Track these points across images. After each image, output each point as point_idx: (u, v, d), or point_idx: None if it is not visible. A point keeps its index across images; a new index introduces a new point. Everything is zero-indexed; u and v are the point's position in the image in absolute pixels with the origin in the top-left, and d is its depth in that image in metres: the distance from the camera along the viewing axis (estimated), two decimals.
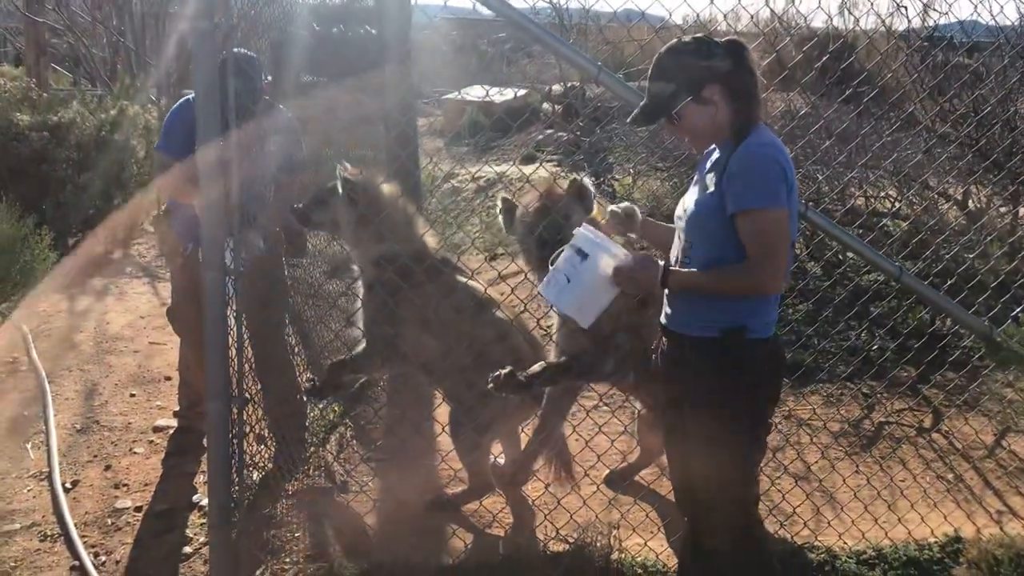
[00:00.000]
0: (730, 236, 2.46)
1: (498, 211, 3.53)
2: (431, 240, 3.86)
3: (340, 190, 3.67)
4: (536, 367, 3.27)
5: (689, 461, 2.70)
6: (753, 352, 2.55)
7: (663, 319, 2.73)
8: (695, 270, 2.53)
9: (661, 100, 2.51)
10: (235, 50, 3.79)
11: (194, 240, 4.01)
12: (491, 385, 3.19)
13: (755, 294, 2.50)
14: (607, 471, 4.10)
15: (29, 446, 4.43)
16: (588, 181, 3.36)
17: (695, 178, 2.71)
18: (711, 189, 2.50)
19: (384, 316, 3.68)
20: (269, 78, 5.93)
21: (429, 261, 3.63)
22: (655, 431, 3.96)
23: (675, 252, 2.68)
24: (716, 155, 2.59)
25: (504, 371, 3.18)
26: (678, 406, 2.69)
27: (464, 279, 3.80)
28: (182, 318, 4.38)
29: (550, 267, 2.69)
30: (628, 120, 2.63)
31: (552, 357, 3.42)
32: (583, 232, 2.64)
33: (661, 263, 2.58)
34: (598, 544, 3.54)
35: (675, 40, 2.53)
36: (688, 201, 2.63)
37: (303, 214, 3.87)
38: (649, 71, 2.56)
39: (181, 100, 4.28)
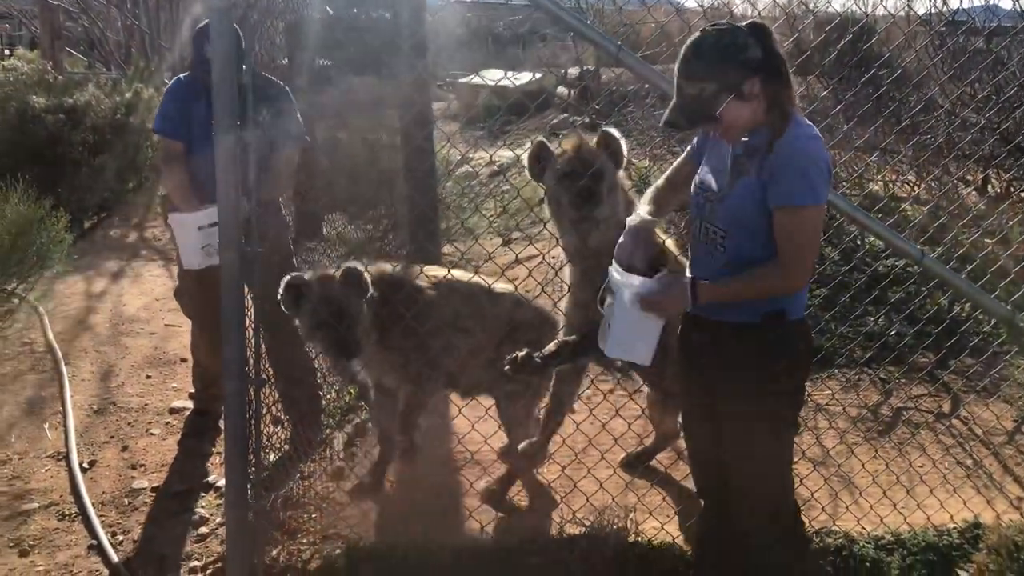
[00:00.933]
0: (766, 227, 2.43)
1: (525, 157, 3.36)
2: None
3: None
4: (552, 346, 3.24)
5: (727, 447, 2.65)
6: (793, 334, 2.53)
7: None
8: (725, 279, 2.48)
9: (703, 101, 2.40)
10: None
11: None
12: (508, 368, 3.18)
13: (788, 294, 2.48)
14: (623, 454, 4.09)
15: (47, 426, 4.45)
16: (616, 131, 3.27)
17: (712, 154, 2.62)
18: (750, 175, 2.44)
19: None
20: (285, 60, 5.93)
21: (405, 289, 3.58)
22: (667, 412, 3.95)
23: (697, 238, 2.61)
24: (746, 136, 2.49)
25: (521, 353, 3.16)
26: (710, 392, 2.66)
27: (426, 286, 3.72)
28: (188, 300, 4.38)
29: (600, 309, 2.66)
30: (664, 122, 2.51)
31: (562, 334, 3.39)
32: (609, 271, 2.61)
33: (687, 279, 2.53)
34: (614, 527, 3.54)
35: (700, 35, 2.41)
36: (715, 181, 2.55)
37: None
38: (680, 70, 2.43)
39: (173, 80, 4.28)
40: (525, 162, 3.34)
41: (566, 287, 3.42)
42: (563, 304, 3.42)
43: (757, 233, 2.45)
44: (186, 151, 4.10)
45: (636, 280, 2.53)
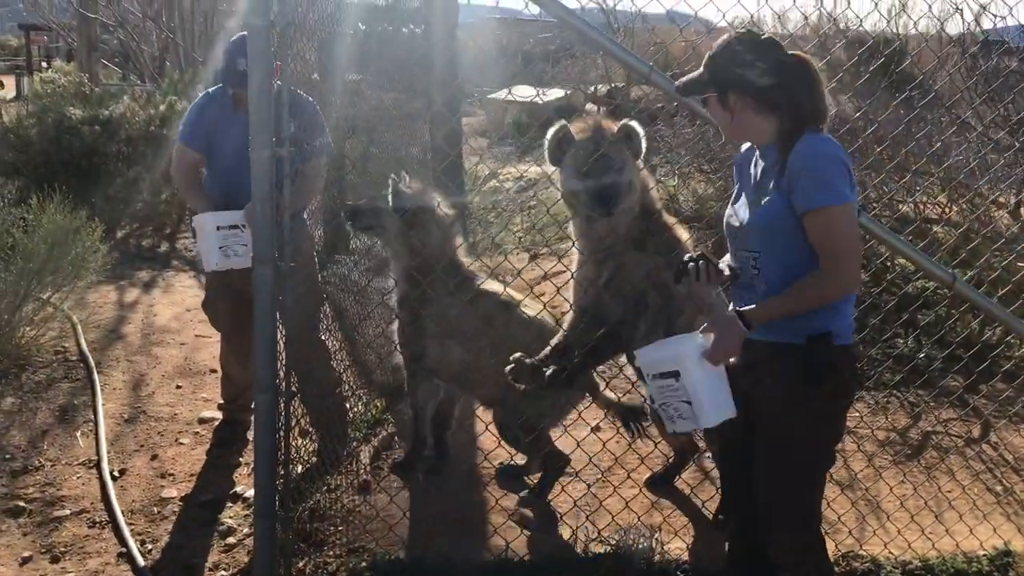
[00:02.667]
0: (797, 239, 2.43)
1: (547, 138, 3.37)
2: (463, 255, 4.02)
3: (391, 201, 3.81)
4: (553, 349, 3.41)
5: (759, 470, 2.60)
6: (838, 359, 2.47)
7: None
8: (774, 297, 2.45)
9: (698, 81, 2.54)
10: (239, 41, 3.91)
11: None
12: (509, 375, 3.28)
13: (840, 297, 2.46)
14: (649, 473, 4.08)
15: (79, 434, 4.51)
16: (637, 124, 3.32)
17: (738, 186, 2.68)
18: (771, 194, 2.46)
19: (414, 332, 3.88)
20: (316, 76, 5.99)
21: (459, 274, 3.75)
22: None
23: (735, 264, 2.64)
24: (761, 163, 2.57)
25: (517, 356, 3.30)
26: (746, 412, 2.60)
27: (487, 287, 3.90)
28: (214, 312, 4.44)
29: (648, 404, 2.68)
30: (676, 84, 2.68)
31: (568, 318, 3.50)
32: (648, 360, 2.58)
33: (731, 313, 2.50)
34: (640, 547, 3.53)
35: (744, 30, 2.54)
36: (742, 211, 2.58)
37: (353, 213, 4.02)
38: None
39: (203, 94, 4.35)
40: (546, 144, 3.37)
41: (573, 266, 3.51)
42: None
43: (789, 249, 2.45)
44: (208, 163, 4.20)
45: (697, 341, 2.49)
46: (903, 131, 4.65)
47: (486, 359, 3.75)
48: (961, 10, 5.46)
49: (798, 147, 2.42)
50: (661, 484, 4.08)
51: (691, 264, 2.65)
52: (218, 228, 3.91)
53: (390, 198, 3.86)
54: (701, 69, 2.54)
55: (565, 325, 3.55)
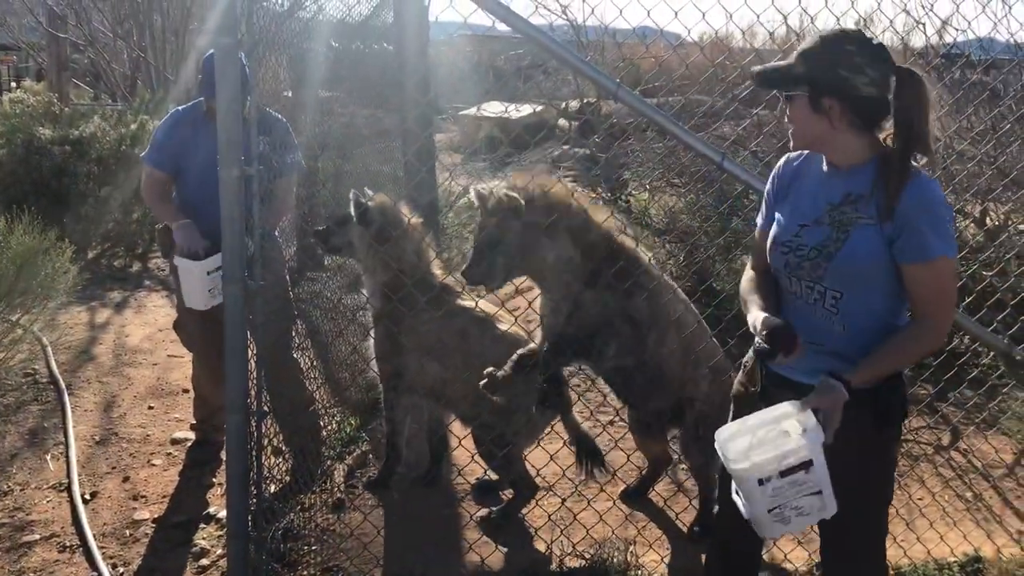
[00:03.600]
0: (888, 281, 2.24)
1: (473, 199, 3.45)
2: (437, 268, 4.01)
3: (353, 214, 3.80)
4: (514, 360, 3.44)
5: (827, 522, 2.27)
6: (904, 396, 2.31)
7: (776, 365, 2.34)
8: (875, 358, 2.20)
9: (785, 75, 2.25)
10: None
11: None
12: (484, 386, 3.35)
13: (936, 351, 2.29)
14: (623, 486, 4.09)
15: (48, 457, 4.46)
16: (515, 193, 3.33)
17: (785, 202, 2.41)
18: (864, 230, 2.21)
19: (391, 347, 3.86)
20: (289, 94, 5.99)
21: (434, 289, 3.73)
22: (652, 436, 3.97)
23: (794, 296, 2.37)
24: (836, 184, 2.29)
25: (490, 371, 3.37)
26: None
27: (464, 303, 3.89)
28: (187, 333, 4.41)
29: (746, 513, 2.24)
30: (753, 70, 2.33)
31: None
32: (769, 458, 2.15)
33: (834, 382, 2.17)
34: (615, 560, 3.54)
35: (855, 28, 2.27)
36: (809, 237, 2.30)
37: (323, 236, 4.02)
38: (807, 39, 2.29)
39: (171, 112, 4.32)
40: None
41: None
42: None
43: (875, 288, 2.25)
44: (178, 181, 4.18)
45: (809, 423, 2.14)
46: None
47: (461, 375, 3.76)
48: (923, 24, 5.56)
49: (913, 189, 2.17)
50: (635, 496, 4.10)
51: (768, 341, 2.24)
52: (208, 273, 3.85)
53: (353, 212, 3.86)
54: (792, 60, 2.25)
55: (536, 342, 3.58)
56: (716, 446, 2.22)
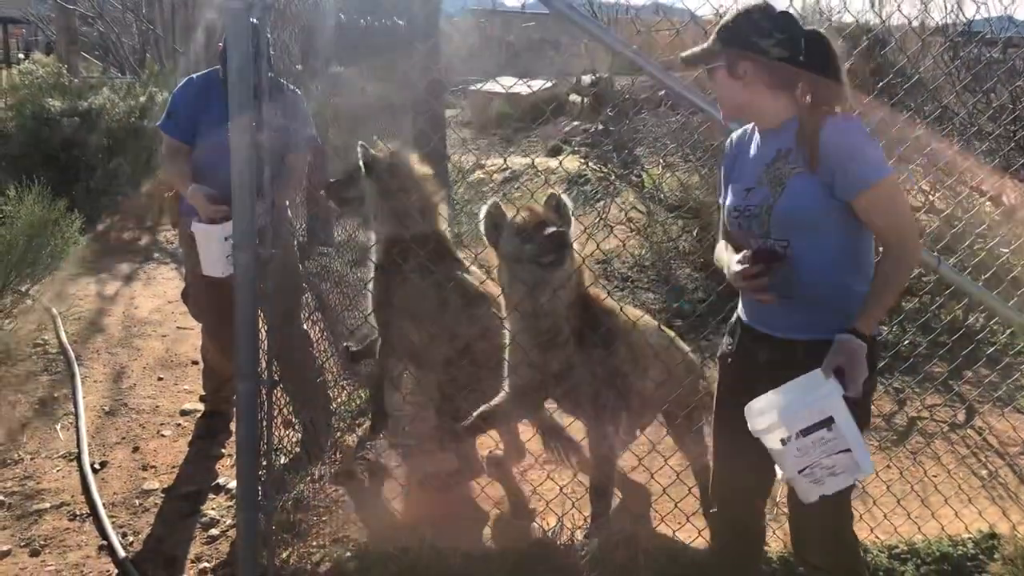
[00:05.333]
0: (834, 222, 2.34)
1: (481, 219, 3.24)
2: (444, 229, 3.90)
3: (362, 166, 3.72)
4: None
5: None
6: (873, 350, 2.35)
7: (746, 318, 2.57)
8: (870, 300, 2.30)
9: (707, 51, 2.43)
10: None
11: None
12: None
13: (916, 265, 2.40)
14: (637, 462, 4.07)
15: (59, 427, 4.46)
16: (566, 197, 3.25)
17: (734, 174, 2.58)
18: (798, 179, 2.34)
19: (382, 302, 3.79)
20: (299, 67, 5.93)
21: (432, 247, 3.59)
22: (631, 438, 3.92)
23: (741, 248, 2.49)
24: (768, 146, 2.44)
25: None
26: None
27: (463, 273, 3.79)
28: (196, 303, 4.38)
29: (797, 472, 2.24)
30: (679, 56, 2.51)
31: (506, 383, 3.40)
32: (788, 415, 2.20)
33: (845, 337, 2.24)
34: (624, 534, 3.51)
35: (761, 1, 2.41)
36: (754, 198, 2.44)
37: (334, 190, 3.95)
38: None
39: (184, 80, 4.26)
40: (482, 227, 3.24)
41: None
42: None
43: (821, 231, 2.36)
44: (195, 150, 4.11)
45: (824, 377, 2.20)
46: (884, 119, 4.63)
47: (436, 345, 3.73)
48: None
49: (828, 132, 2.30)
50: None
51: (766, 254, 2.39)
52: (226, 239, 3.80)
53: (361, 163, 3.79)
54: (710, 40, 2.44)
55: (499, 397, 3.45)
56: (745, 415, 2.29)
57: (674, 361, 3.50)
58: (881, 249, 2.40)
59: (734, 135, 2.65)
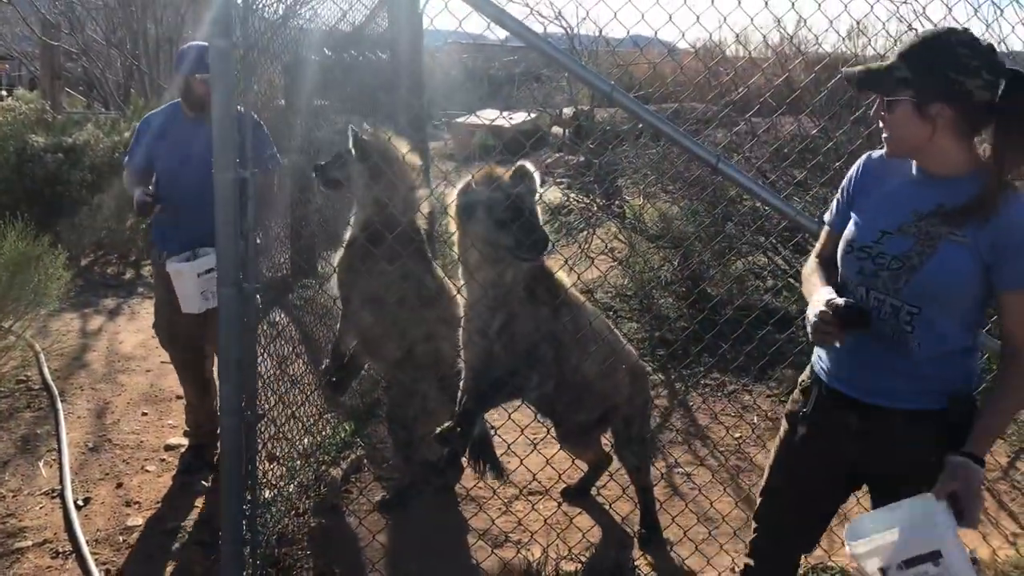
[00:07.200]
0: (969, 307, 2.12)
1: (452, 205, 3.23)
2: (421, 218, 3.98)
3: (351, 146, 3.84)
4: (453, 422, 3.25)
5: None
6: (973, 415, 2.12)
7: (828, 378, 2.28)
8: (990, 418, 2.08)
9: (886, 76, 2.06)
10: (194, 44, 3.98)
11: (168, 249, 4.09)
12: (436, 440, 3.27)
13: None
14: (620, 490, 4.09)
15: (41, 464, 4.44)
16: (529, 164, 3.24)
17: (874, 199, 2.23)
18: (955, 248, 2.05)
19: (344, 279, 3.88)
20: (282, 101, 5.99)
21: (399, 234, 3.53)
22: (583, 444, 3.95)
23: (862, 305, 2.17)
24: (929, 194, 2.11)
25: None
26: (848, 474, 2.35)
27: (426, 269, 3.91)
28: (161, 329, 4.38)
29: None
30: (846, 71, 2.16)
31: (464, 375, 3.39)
32: (890, 545, 1.99)
33: (959, 459, 2.01)
34: (610, 563, 3.53)
35: (961, 28, 2.07)
36: (889, 243, 2.14)
37: (322, 171, 4.06)
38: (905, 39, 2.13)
39: (143, 119, 4.37)
40: (452, 210, 3.23)
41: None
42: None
43: (952, 311, 2.09)
44: (157, 182, 4.17)
45: (938, 506, 1.96)
46: (863, 145, 4.72)
47: (391, 335, 3.84)
48: (916, 30, 5.58)
49: (1015, 213, 2.01)
50: (577, 496, 4.13)
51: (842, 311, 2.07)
52: (199, 275, 3.87)
53: (351, 146, 3.85)
54: (894, 61, 2.06)
55: (461, 389, 3.43)
56: (845, 535, 2.10)
57: (616, 351, 3.55)
58: (1002, 354, 2.12)
59: (874, 153, 2.29)
